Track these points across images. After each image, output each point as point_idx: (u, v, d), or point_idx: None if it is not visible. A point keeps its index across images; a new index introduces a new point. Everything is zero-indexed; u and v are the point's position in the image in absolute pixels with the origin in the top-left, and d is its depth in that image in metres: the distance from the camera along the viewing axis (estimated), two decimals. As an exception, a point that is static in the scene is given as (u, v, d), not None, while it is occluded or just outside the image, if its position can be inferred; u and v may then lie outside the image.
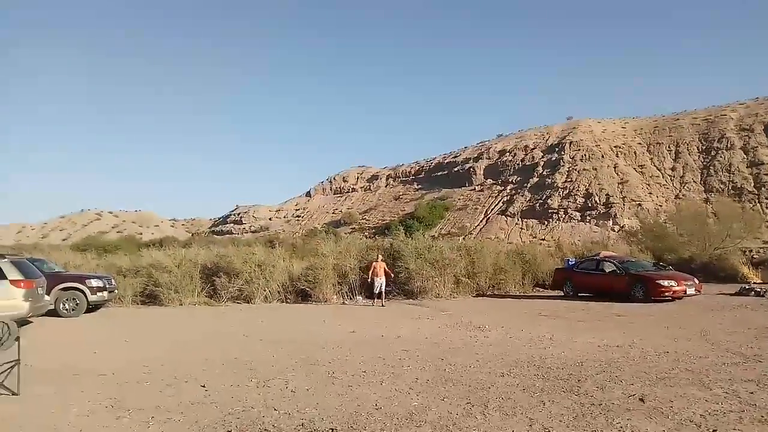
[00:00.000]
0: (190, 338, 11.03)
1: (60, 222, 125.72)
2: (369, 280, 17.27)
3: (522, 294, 21.04)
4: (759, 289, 17.17)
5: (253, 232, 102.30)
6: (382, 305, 16.68)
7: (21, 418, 5.32)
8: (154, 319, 14.54)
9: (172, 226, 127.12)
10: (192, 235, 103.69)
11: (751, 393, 5.62)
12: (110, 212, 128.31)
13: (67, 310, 14.69)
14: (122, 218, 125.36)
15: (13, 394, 6.01)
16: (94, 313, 15.63)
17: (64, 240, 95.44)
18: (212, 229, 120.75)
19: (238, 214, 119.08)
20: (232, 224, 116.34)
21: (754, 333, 9.64)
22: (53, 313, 14.23)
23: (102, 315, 15.57)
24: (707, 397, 5.50)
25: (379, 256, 17.98)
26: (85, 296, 14.92)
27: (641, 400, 5.48)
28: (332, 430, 4.77)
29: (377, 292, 16.91)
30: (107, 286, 15.80)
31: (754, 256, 27.58)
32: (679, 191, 72.53)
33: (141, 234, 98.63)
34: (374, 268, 17.13)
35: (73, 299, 14.84)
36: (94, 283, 15.32)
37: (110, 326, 13.13)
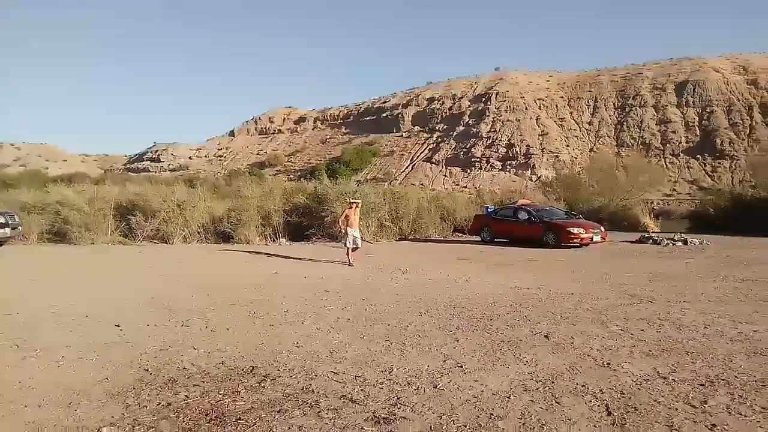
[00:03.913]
0: (102, 277, 10.59)
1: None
2: (339, 231, 13.91)
3: (442, 239, 21.72)
4: (657, 238, 18.60)
5: (171, 170, 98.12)
6: (350, 264, 12.55)
7: None
8: (62, 258, 13.80)
9: (83, 162, 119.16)
10: (105, 171, 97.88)
11: (642, 330, 6.17)
12: (12, 144, 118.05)
13: (-37, 247, 13.67)
14: (26, 151, 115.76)
15: None
16: (-5, 251, 14.65)
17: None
18: (127, 166, 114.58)
19: (156, 152, 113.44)
20: (149, 162, 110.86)
21: (648, 277, 10.51)
22: (-53, 250, 13.21)
23: (4, 253, 14.59)
24: (604, 334, 6.00)
25: (354, 201, 13.99)
26: (-16, 233, 13.92)
27: (546, 336, 5.89)
28: (253, 367, 4.81)
29: (350, 246, 12.73)
30: (9, 222, 14.80)
31: (655, 208, 29.82)
32: (594, 145, 76.31)
33: (47, 168, 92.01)
34: (347, 215, 13.06)
35: (-29, 236, 13.80)
36: (-6, 219, 14.29)
37: (14, 264, 12.36)
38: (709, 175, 65.79)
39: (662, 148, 72.11)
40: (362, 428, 3.56)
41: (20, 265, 12.19)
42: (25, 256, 14.18)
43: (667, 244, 17.46)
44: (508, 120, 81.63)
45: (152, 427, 3.57)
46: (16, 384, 4.37)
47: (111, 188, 20.80)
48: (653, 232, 22.53)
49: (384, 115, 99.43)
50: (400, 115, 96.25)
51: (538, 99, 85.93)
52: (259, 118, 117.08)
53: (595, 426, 3.59)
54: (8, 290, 8.75)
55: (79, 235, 17.20)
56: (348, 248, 12.73)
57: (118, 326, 6.28)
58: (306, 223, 19.54)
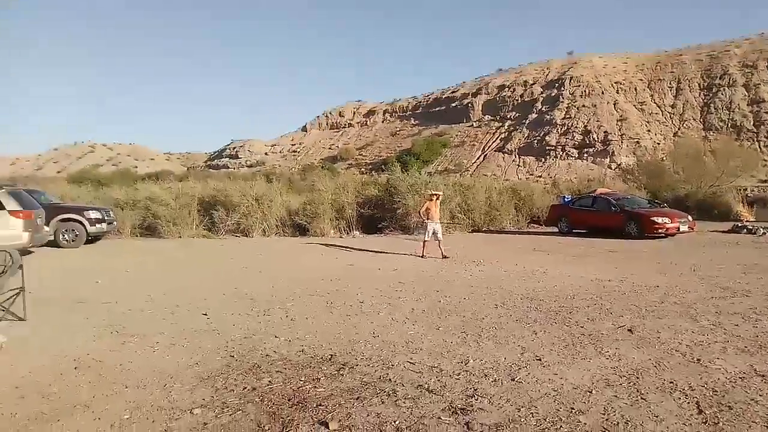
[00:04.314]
0: (189, 269, 11.21)
1: (54, 154, 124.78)
2: (422, 221, 13.53)
3: (517, 230, 21.29)
4: (751, 227, 17.40)
5: (249, 166, 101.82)
6: (423, 256, 12.37)
7: (30, 341, 5.49)
8: (152, 251, 14.70)
9: (167, 160, 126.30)
10: (188, 169, 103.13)
11: (736, 325, 5.81)
12: (104, 145, 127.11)
13: (66, 241, 14.84)
14: (116, 151, 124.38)
15: (20, 319, 6.18)
16: (94, 244, 15.80)
17: (58, 172, 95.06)
18: (208, 163, 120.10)
19: (234, 149, 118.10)
20: (227, 159, 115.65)
21: (742, 269, 9.85)
22: (53, 244, 14.38)
23: (102, 246, 15.74)
24: (694, 329, 5.69)
25: (435, 193, 13.51)
26: (84, 228, 15.05)
27: (630, 330, 5.67)
28: (332, 356, 4.95)
29: (428, 238, 12.49)
30: (106, 218, 15.89)
31: (749, 195, 27.76)
32: (678, 129, 71.97)
33: (136, 167, 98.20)
34: (427, 207, 12.76)
35: (73, 230, 14.96)
36: (93, 215, 15.41)
37: (110, 257, 13.28)
38: (810, 158, 60.36)
39: (755, 130, 66.78)
40: (439, 418, 3.58)
41: (116, 258, 13.10)
42: (120, 249, 15.23)
43: (764, 233, 16.28)
44: (584, 106, 78.43)
45: (239, 410, 3.76)
46: (117, 367, 4.73)
47: (194, 185, 21.85)
48: (747, 220, 21.07)
49: (453, 105, 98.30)
50: (469, 105, 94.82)
51: (616, 82, 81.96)
52: (330, 113, 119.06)
53: (684, 424, 3.43)
54: (107, 281, 9.44)
55: (167, 229, 18.25)
56: (425, 240, 12.57)
57: (206, 315, 6.64)
58: (378, 216, 19.75)
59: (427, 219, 12.61)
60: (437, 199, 13.14)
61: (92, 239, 15.69)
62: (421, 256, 12.38)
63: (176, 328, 6.05)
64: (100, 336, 5.73)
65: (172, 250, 15.09)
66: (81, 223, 15.06)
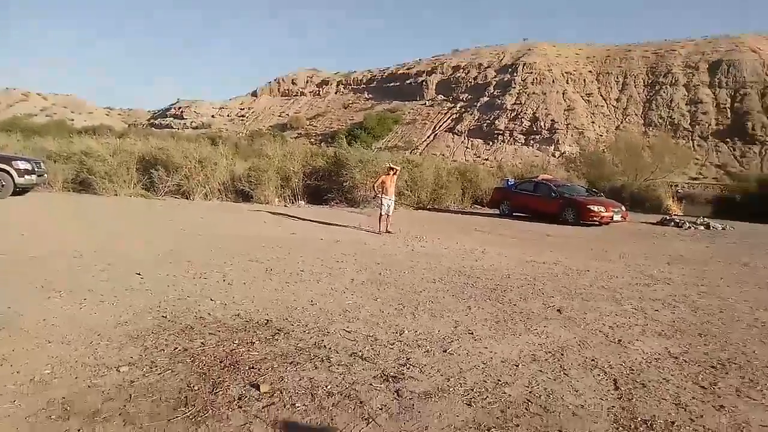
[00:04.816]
0: (124, 228, 10.80)
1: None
2: (374, 195, 13.33)
3: (460, 210, 21.67)
4: (678, 221, 18.36)
5: (194, 128, 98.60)
6: (380, 232, 12.11)
7: (-57, 294, 5.17)
8: (86, 207, 14.08)
9: (107, 115, 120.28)
10: (128, 125, 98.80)
11: (656, 311, 6.15)
12: (38, 94, 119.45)
13: (-9, 191, 13.97)
14: (52, 101, 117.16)
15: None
16: (22, 196, 14.96)
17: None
18: (150, 121, 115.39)
19: (179, 109, 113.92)
20: (172, 118, 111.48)
21: (667, 259, 10.41)
22: (-25, 193, 13.53)
23: (30, 198, 14.93)
24: (617, 312, 5.99)
25: (394, 166, 13.11)
26: (12, 178, 14.18)
27: (559, 311, 5.91)
28: (268, 321, 4.91)
29: (384, 213, 12.26)
30: (36, 169, 15.03)
31: (679, 191, 29.29)
32: (621, 122, 74.75)
33: (72, 120, 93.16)
34: (383, 181, 12.53)
35: (-2, 180, 14.09)
36: (22, 165, 14.53)
37: (39, 210, 12.64)
38: (738, 160, 64.18)
39: (691, 129, 70.34)
40: (371, 384, 3.64)
41: (46, 212, 12.46)
42: (50, 202, 14.50)
43: (689, 227, 17.22)
44: (534, 93, 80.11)
45: (169, 369, 3.69)
46: (40, 321, 4.53)
47: (134, 141, 20.98)
48: (676, 214, 22.22)
49: (408, 82, 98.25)
50: (424, 83, 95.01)
51: (566, 72, 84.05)
52: (282, 80, 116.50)
53: (601, 399, 3.63)
54: (34, 235, 8.98)
55: (102, 185, 17.49)
56: (380, 215, 12.31)
57: (139, 274, 6.44)
58: (325, 187, 19.61)
59: (382, 193, 12.34)
60: (394, 173, 12.75)
61: (20, 191, 14.83)
62: (378, 233, 12.07)
63: (106, 285, 5.84)
64: (23, 290, 5.46)
65: (106, 207, 14.49)
66: (8, 173, 14.16)
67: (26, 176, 14.55)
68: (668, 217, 19.48)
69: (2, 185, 14.09)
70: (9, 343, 4.01)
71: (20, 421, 2.92)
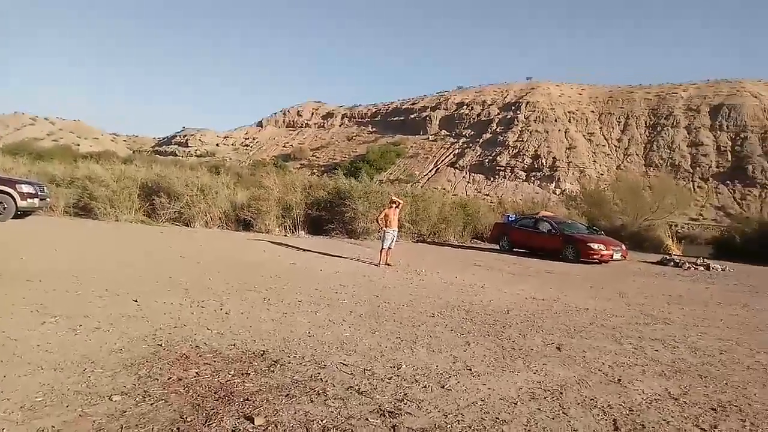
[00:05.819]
0: (124, 254, 10.78)
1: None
2: (380, 229, 13.13)
3: (460, 244, 21.65)
4: (678, 261, 18.32)
5: (198, 156, 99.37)
6: (378, 264, 12.03)
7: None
8: (87, 232, 14.09)
9: (113, 141, 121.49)
10: (133, 152, 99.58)
11: (656, 351, 6.09)
12: (46, 119, 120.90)
13: (-7, 213, 14.01)
14: (59, 126, 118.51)
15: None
16: (23, 219, 14.99)
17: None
18: (155, 148, 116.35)
19: (184, 137, 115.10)
20: (176, 146, 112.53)
21: (666, 299, 10.36)
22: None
23: (32, 222, 14.95)
24: (617, 351, 5.93)
25: (397, 199, 13.12)
26: (14, 201, 14.24)
27: (558, 348, 5.85)
28: (264, 352, 4.87)
29: (386, 246, 12.19)
30: (39, 193, 15.11)
31: (679, 231, 29.32)
32: (622, 162, 75.31)
33: (78, 145, 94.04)
34: (386, 214, 12.37)
35: (0, 203, 14.13)
36: (25, 188, 14.61)
37: (40, 234, 12.65)
38: (738, 203, 64.40)
39: (691, 171, 70.83)
40: (367, 419, 3.58)
41: (46, 236, 12.47)
42: (51, 227, 14.51)
43: (689, 267, 17.17)
44: (536, 131, 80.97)
45: (162, 399, 3.64)
46: (34, 347, 4.49)
47: (138, 168, 21.14)
48: (675, 254, 22.18)
49: (412, 116, 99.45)
50: (427, 118, 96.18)
51: (569, 111, 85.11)
52: (288, 111, 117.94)
53: (600, 439, 3.57)
54: (33, 258, 8.96)
55: (104, 211, 17.54)
56: (383, 248, 12.19)
57: (136, 301, 6.40)
58: (326, 218, 19.65)
59: (386, 226, 12.23)
60: (397, 206, 12.73)
61: (21, 214, 14.87)
62: (377, 265, 11.97)
63: (103, 312, 5.80)
64: (18, 314, 5.42)
65: (107, 232, 14.50)
66: (11, 196, 14.23)
67: (29, 200, 14.61)
68: (668, 257, 19.44)
69: (4, 208, 14.14)
70: (1, 368, 3.96)
71: (9, 448, 2.87)
